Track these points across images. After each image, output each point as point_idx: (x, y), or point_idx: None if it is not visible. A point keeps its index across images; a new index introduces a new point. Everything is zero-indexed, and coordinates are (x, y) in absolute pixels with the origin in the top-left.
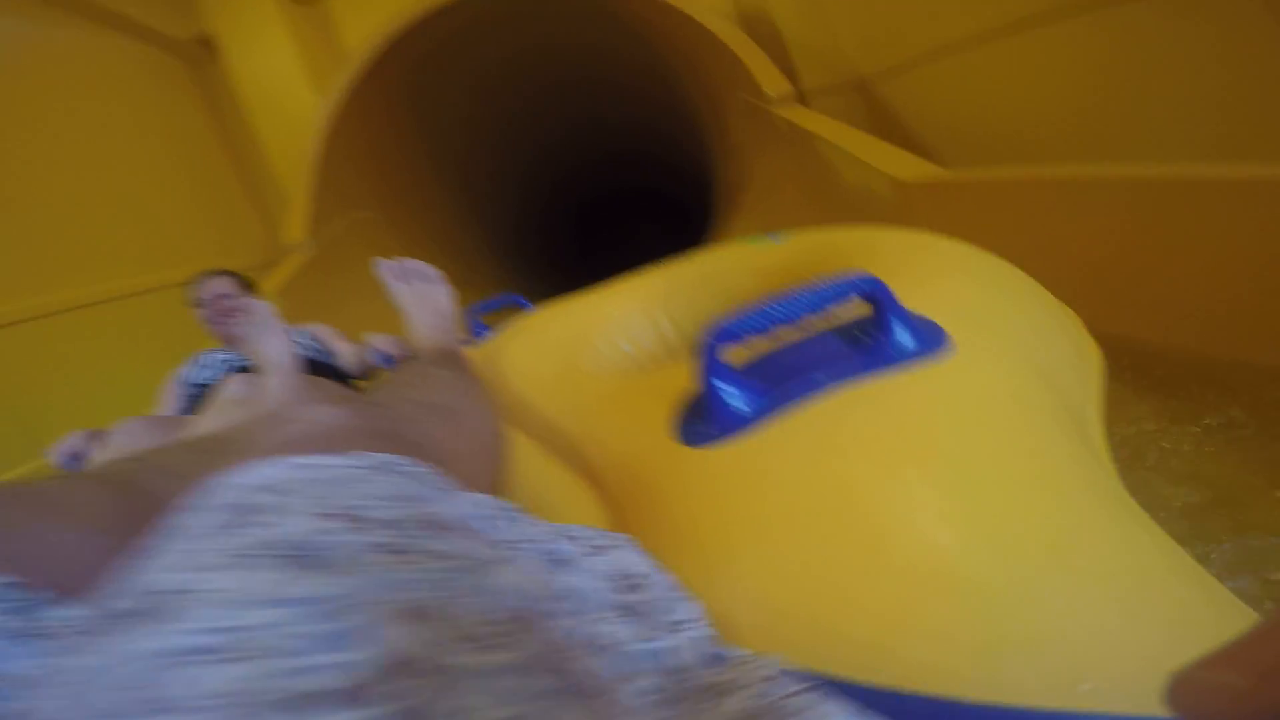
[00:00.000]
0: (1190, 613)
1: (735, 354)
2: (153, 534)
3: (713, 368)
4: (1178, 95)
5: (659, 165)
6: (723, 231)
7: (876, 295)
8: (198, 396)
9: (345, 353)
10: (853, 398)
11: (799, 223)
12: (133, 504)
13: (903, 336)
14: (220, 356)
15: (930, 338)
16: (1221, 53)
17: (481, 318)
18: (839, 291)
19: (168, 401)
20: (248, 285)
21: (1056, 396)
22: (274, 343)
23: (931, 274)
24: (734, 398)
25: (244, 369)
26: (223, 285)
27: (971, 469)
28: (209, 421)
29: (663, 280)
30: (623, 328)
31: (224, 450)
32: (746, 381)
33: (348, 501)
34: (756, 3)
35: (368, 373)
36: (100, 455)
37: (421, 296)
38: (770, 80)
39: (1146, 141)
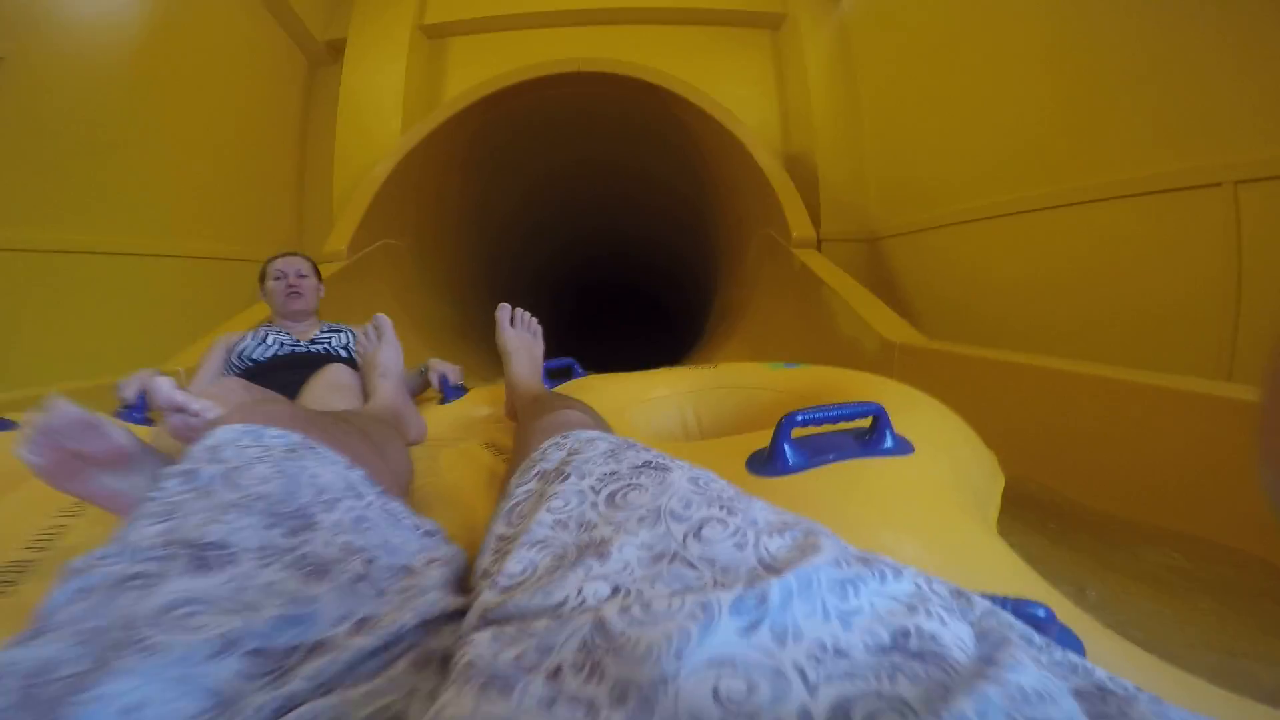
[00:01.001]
0: (997, 576)
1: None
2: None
3: (784, 435)
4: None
5: (661, 275)
6: (716, 346)
7: (880, 416)
8: (249, 369)
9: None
10: (857, 466)
11: (790, 354)
12: (380, 451)
13: (890, 442)
14: (278, 337)
15: (904, 445)
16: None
17: (548, 374)
18: (864, 411)
19: (213, 364)
20: (318, 270)
21: (968, 490)
22: (391, 353)
23: (907, 411)
24: (791, 454)
25: (296, 353)
26: (303, 266)
27: (914, 512)
28: (324, 398)
29: (694, 379)
30: (657, 408)
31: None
32: (798, 447)
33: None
34: (806, 146)
35: (421, 390)
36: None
37: (525, 344)
38: (799, 224)
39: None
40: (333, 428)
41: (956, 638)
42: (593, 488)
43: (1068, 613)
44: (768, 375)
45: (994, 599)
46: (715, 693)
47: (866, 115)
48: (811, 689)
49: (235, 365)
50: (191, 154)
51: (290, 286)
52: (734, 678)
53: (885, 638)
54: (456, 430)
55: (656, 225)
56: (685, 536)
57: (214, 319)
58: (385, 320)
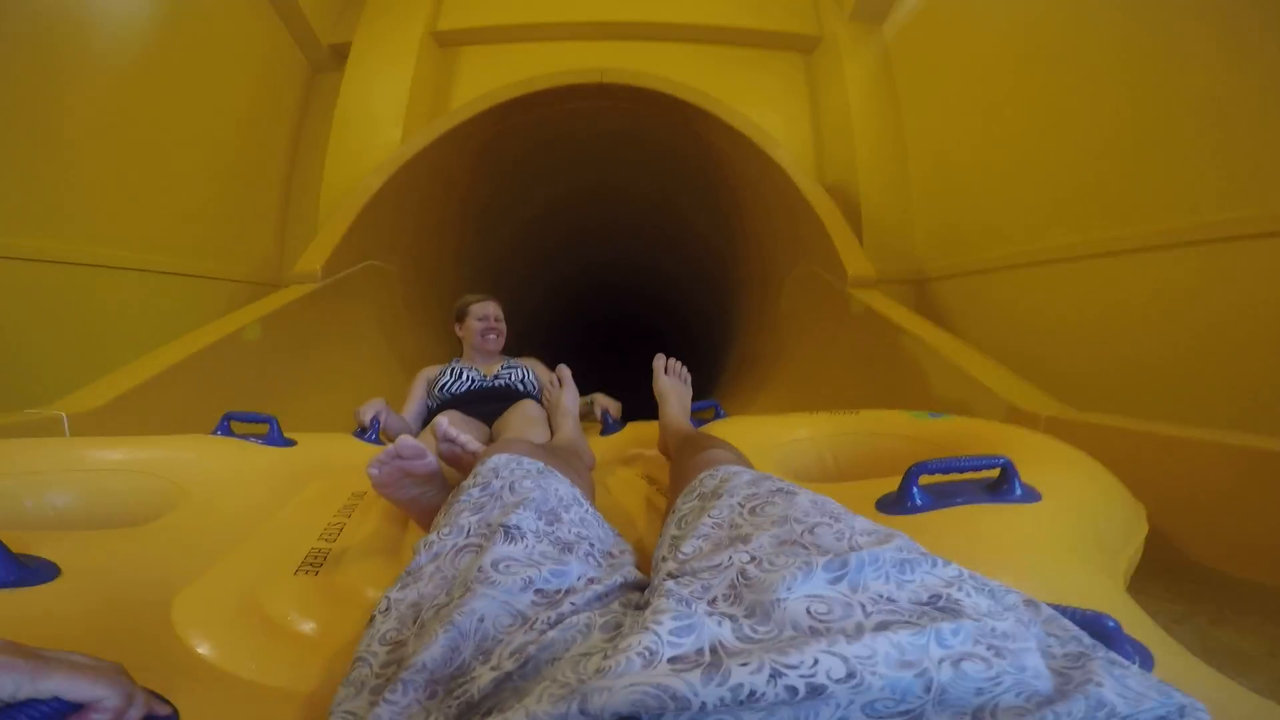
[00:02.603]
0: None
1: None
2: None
3: (912, 480)
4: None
5: (672, 313)
6: (745, 400)
7: (1007, 467)
8: (446, 401)
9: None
10: (980, 510)
11: (850, 404)
12: (580, 475)
13: (1017, 490)
14: (470, 374)
15: (1030, 494)
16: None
17: (694, 414)
18: (991, 463)
19: (418, 395)
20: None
21: (1093, 539)
22: (571, 398)
23: (1043, 462)
24: (918, 497)
25: (484, 387)
26: (499, 311)
27: (1028, 553)
28: (521, 426)
29: (835, 424)
30: (797, 448)
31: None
32: (926, 492)
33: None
34: (843, 178)
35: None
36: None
37: (676, 391)
38: (854, 260)
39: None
40: (556, 458)
41: (974, 604)
42: (740, 503)
43: (1152, 636)
44: (910, 424)
45: (1063, 608)
46: (808, 610)
47: (912, 146)
48: (867, 615)
49: (436, 397)
50: (166, 158)
51: (489, 328)
52: (820, 603)
53: (924, 597)
54: (615, 459)
55: (672, 258)
56: (802, 532)
57: (164, 339)
58: (566, 371)
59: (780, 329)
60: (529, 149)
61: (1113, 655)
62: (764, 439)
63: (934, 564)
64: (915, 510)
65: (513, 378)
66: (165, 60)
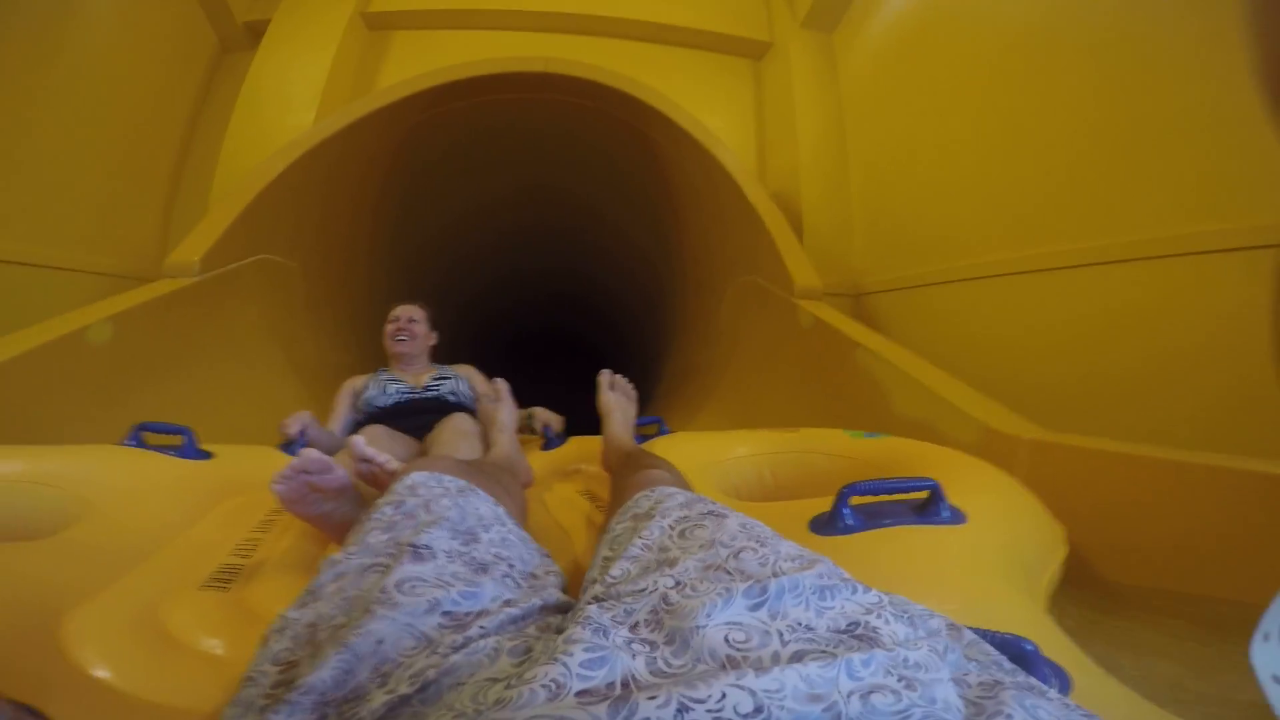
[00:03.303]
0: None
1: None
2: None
3: (843, 501)
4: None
5: (606, 324)
6: (685, 417)
7: (935, 490)
8: (373, 414)
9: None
10: (909, 531)
11: (798, 420)
12: (509, 494)
13: (944, 512)
14: (396, 386)
15: (957, 515)
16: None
17: (638, 430)
18: (920, 485)
19: (343, 409)
20: (433, 318)
21: (1013, 558)
22: (508, 412)
23: (970, 484)
24: (849, 518)
25: (413, 399)
26: (415, 313)
27: (955, 574)
28: (452, 442)
29: (774, 442)
30: (736, 466)
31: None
32: (857, 512)
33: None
34: (785, 187)
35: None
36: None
37: (621, 406)
38: (801, 271)
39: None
40: (481, 476)
41: (890, 632)
42: (670, 525)
43: (1070, 658)
44: (847, 443)
45: (984, 632)
46: (726, 638)
47: (853, 159)
48: (784, 643)
49: (361, 410)
50: (41, 133)
51: (399, 329)
52: (739, 631)
53: (843, 625)
54: (555, 475)
55: (608, 265)
56: (728, 556)
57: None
58: (504, 385)
59: (721, 341)
60: (458, 142)
61: (1031, 681)
62: (705, 456)
63: (854, 590)
64: (847, 531)
65: (443, 388)
66: (46, 23)
